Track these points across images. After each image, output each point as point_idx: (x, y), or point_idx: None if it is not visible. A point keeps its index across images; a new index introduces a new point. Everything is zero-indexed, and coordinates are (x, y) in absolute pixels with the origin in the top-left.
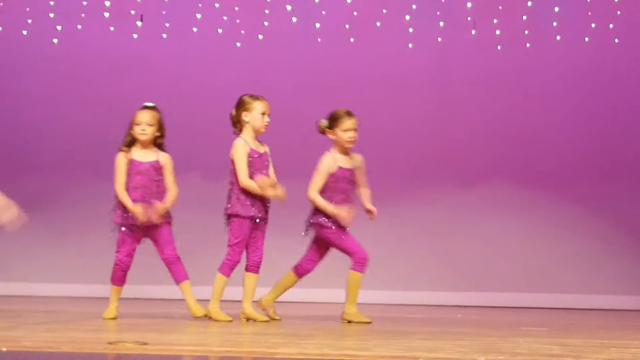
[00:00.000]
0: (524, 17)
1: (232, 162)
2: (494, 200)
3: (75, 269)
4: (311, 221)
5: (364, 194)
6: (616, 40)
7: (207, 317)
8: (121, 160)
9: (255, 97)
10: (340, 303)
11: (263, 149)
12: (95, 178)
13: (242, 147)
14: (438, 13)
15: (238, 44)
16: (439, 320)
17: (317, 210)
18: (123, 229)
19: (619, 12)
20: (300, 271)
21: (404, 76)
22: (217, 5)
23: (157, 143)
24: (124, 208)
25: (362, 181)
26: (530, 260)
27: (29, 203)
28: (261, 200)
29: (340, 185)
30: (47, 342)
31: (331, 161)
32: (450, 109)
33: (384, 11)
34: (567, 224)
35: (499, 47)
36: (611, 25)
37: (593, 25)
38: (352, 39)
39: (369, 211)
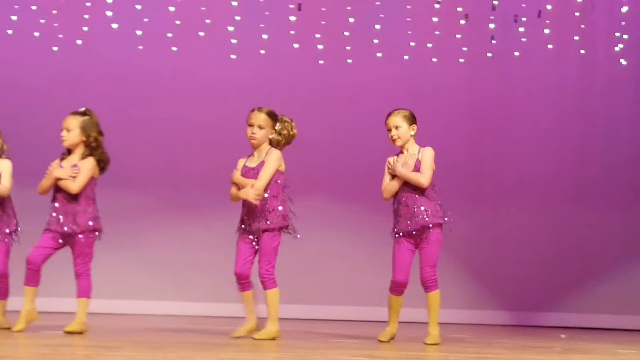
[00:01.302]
0: (346, 34)
1: None
2: (316, 213)
3: None
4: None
5: None
6: (434, 60)
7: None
8: None
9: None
10: (155, 315)
11: (258, 161)
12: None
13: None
14: (261, 25)
15: (55, 49)
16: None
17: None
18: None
19: (437, 32)
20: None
21: (227, 86)
22: (34, 7)
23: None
24: None
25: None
26: (348, 274)
27: None
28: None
29: None
30: None
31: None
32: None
33: (208, 21)
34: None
35: (321, 62)
36: (429, 45)
37: (412, 44)
38: (174, 48)
39: None
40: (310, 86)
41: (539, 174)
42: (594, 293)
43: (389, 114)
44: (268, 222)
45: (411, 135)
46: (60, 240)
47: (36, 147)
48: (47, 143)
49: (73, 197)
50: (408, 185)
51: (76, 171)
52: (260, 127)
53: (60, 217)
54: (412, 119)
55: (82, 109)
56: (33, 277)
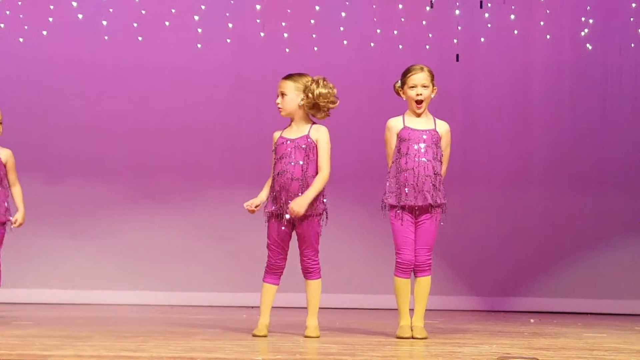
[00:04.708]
0: (312, 21)
1: None
2: None
3: None
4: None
5: None
6: (400, 47)
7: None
8: None
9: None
10: (125, 305)
11: (298, 134)
12: None
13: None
14: (227, 14)
15: (21, 40)
16: (222, 320)
17: None
18: None
19: (402, 19)
20: None
21: (194, 76)
22: None
23: None
24: None
25: None
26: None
27: None
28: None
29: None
30: None
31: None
32: (240, 109)
33: (173, 11)
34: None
35: (287, 50)
36: (395, 32)
37: (378, 31)
38: (140, 38)
39: None
40: (277, 74)
41: (506, 158)
42: (563, 277)
43: (414, 70)
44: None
45: (431, 98)
46: None
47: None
48: (12, 133)
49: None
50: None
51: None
52: (282, 95)
53: None
54: (434, 79)
55: None
56: None
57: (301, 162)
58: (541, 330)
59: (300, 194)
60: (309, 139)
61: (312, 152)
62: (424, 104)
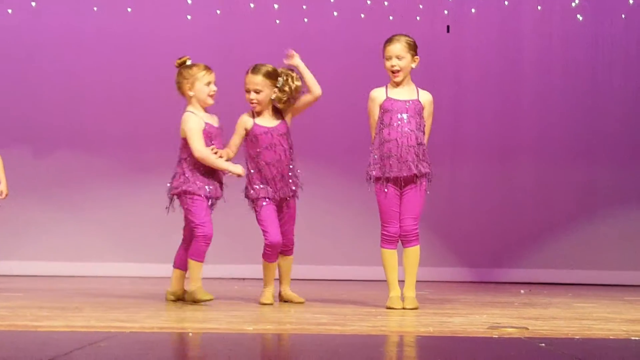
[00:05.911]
0: None
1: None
2: None
3: None
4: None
5: None
6: (391, 18)
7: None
8: None
9: None
10: (114, 277)
11: (277, 121)
12: None
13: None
14: None
15: (10, 11)
16: (214, 292)
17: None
18: None
19: None
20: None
21: (183, 47)
22: None
23: None
24: None
25: None
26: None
27: None
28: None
29: None
30: None
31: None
32: (230, 80)
33: None
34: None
35: (277, 21)
36: (386, 3)
37: (369, 2)
38: (129, 9)
39: None
40: (267, 46)
41: (496, 129)
42: (554, 248)
43: (390, 40)
44: (293, 188)
45: (412, 68)
46: None
47: None
48: (4, 104)
49: None
50: None
51: None
52: (257, 92)
53: None
54: (415, 49)
55: None
56: None
57: (286, 147)
58: (531, 301)
59: (290, 173)
60: (287, 126)
61: (291, 135)
62: (400, 74)
